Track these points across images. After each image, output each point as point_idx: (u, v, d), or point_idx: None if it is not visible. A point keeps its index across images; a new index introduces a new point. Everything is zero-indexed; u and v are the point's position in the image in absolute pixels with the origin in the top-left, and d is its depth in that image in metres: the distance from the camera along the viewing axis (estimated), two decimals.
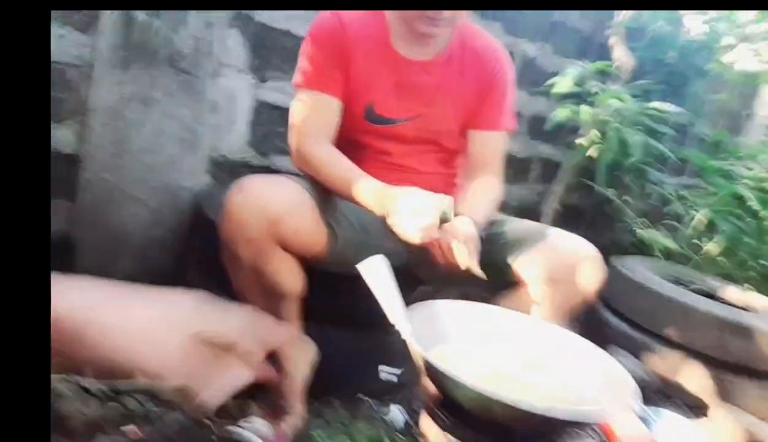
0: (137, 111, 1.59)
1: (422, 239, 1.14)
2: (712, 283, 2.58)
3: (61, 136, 1.55)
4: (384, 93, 1.38)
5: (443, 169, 1.53)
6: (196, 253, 1.69)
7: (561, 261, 1.29)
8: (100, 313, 0.44)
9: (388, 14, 1.37)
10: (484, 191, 1.41)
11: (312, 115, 1.34)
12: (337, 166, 1.29)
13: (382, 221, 1.41)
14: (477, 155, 1.46)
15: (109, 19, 1.50)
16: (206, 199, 1.68)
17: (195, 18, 1.59)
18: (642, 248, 2.91)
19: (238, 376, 0.46)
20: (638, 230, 2.80)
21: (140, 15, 1.51)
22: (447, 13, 1.25)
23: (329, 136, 1.36)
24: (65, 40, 1.48)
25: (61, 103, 1.52)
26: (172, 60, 1.60)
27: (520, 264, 1.33)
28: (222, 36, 1.71)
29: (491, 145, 1.47)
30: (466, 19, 1.43)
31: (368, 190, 1.23)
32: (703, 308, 2.09)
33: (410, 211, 1.15)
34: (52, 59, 1.49)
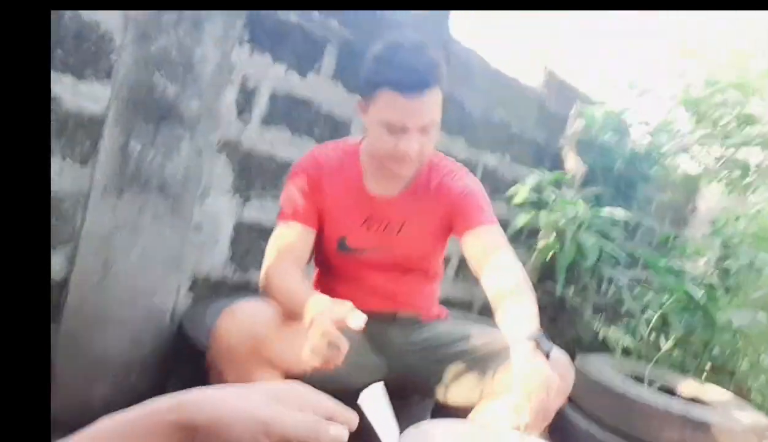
0: (126, 236, 1.65)
1: (317, 362, 1.14)
2: (671, 378, 2.70)
3: (53, 264, 1.59)
4: (355, 226, 1.48)
5: (420, 287, 1.61)
6: (176, 373, 1.71)
7: None
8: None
9: (362, 155, 1.48)
10: (518, 306, 1.29)
11: (281, 242, 1.42)
12: (293, 286, 1.32)
13: (361, 335, 1.49)
14: (478, 251, 1.42)
15: (106, 151, 1.59)
16: (187, 319, 1.73)
17: (187, 146, 1.69)
18: (602, 345, 3.04)
19: None
20: (597, 328, 2.93)
21: (137, 146, 1.61)
22: (415, 154, 1.34)
23: (298, 261, 1.41)
24: (65, 172, 1.56)
25: (55, 231, 1.58)
26: (163, 186, 1.68)
27: (498, 377, 1.36)
28: (211, 162, 1.82)
29: (486, 237, 1.44)
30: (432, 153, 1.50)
31: (314, 306, 1.21)
32: (662, 406, 2.20)
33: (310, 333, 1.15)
34: (51, 190, 1.55)
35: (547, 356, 1.17)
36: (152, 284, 1.73)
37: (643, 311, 2.98)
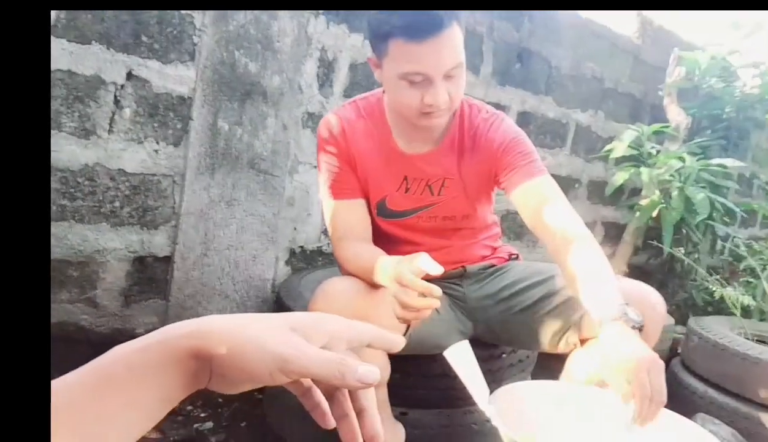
0: (222, 212, 1.72)
1: (410, 316, 1.09)
2: None
3: (157, 241, 1.69)
4: (393, 189, 1.39)
5: (476, 238, 1.51)
6: None
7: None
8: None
9: (388, 114, 1.38)
10: (589, 267, 1.17)
11: (338, 220, 1.37)
12: (362, 259, 1.27)
13: (445, 296, 1.46)
14: (530, 204, 1.32)
15: (196, 131, 1.66)
16: (287, 289, 1.78)
17: (273, 122, 1.73)
18: (718, 306, 2.84)
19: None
20: (713, 288, 2.73)
21: (225, 125, 1.66)
22: (445, 104, 1.23)
23: (361, 234, 1.37)
24: (160, 154, 1.65)
25: (156, 211, 1.67)
26: (253, 162, 1.73)
27: (588, 319, 1.28)
28: (297, 136, 1.85)
29: (536, 189, 1.32)
30: (463, 100, 1.39)
31: (381, 269, 1.18)
32: None
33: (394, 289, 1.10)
34: (147, 171, 1.65)
35: (640, 329, 1.07)
36: (251, 257, 1.79)
37: (763, 269, 2.75)
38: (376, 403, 0.51)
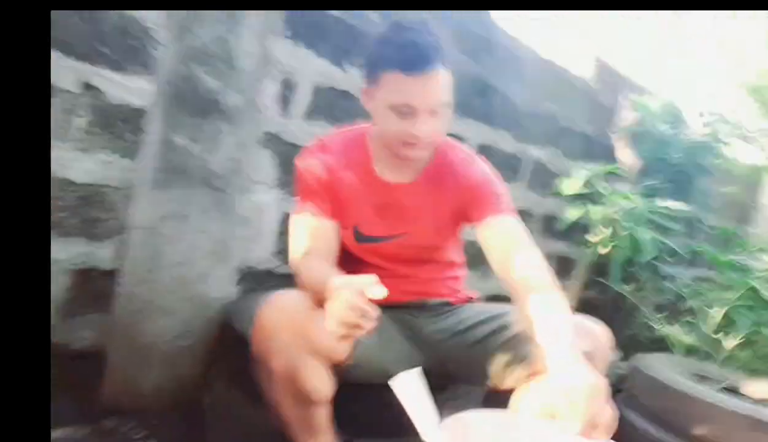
0: (173, 228, 1.68)
1: (340, 335, 1.09)
2: (735, 378, 2.56)
3: (102, 254, 1.64)
4: (369, 215, 1.45)
5: (442, 274, 1.58)
6: (224, 362, 1.73)
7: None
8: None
9: (371, 142, 1.45)
10: (547, 312, 1.21)
11: (306, 236, 1.40)
12: (317, 272, 1.29)
13: (400, 324, 1.48)
14: (496, 243, 1.37)
15: (151, 144, 1.62)
16: (234, 310, 1.74)
17: (230, 140, 1.71)
18: (661, 344, 2.91)
19: None
20: (657, 327, 2.80)
21: (181, 140, 1.64)
22: (427, 137, 1.31)
23: (325, 254, 1.39)
24: (112, 165, 1.61)
25: (102, 223, 1.63)
26: (207, 180, 1.70)
27: (539, 355, 1.28)
28: (254, 155, 1.83)
29: (503, 227, 1.39)
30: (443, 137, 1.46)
31: (330, 285, 1.16)
32: (729, 406, 2.08)
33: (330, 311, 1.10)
34: (97, 183, 1.61)
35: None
36: (200, 275, 1.75)
37: (704, 309, 2.84)
38: None
